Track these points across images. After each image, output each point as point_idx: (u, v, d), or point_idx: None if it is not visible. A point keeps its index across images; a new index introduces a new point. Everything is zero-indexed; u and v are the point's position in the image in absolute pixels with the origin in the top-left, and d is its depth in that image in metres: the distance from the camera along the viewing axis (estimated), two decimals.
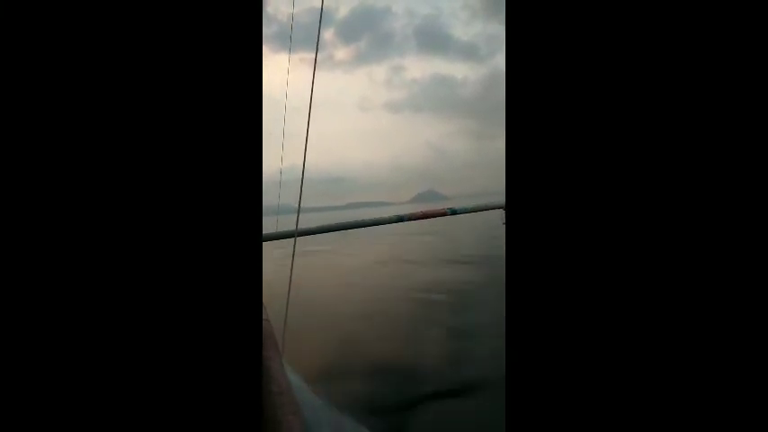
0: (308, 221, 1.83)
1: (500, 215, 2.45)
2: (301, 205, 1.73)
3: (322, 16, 1.50)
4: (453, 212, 2.64)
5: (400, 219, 2.53)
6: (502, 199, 2.40)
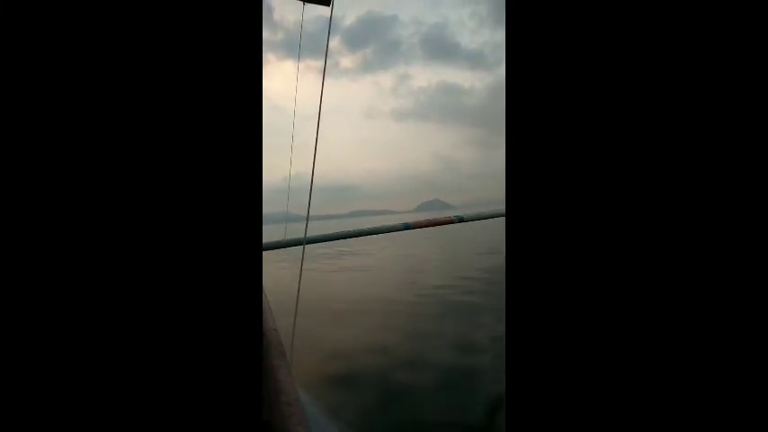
0: (310, 230, 1.83)
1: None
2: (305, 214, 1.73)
3: (331, 24, 1.49)
4: (460, 220, 2.66)
5: (407, 226, 2.56)
6: None
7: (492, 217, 2.74)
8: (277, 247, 2.42)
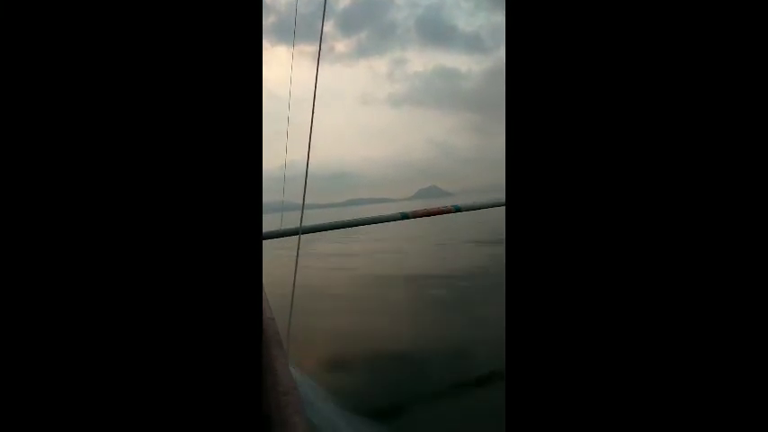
0: (307, 219, 1.82)
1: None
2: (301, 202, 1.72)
3: (326, 7, 1.46)
4: (458, 210, 2.67)
5: (405, 216, 2.57)
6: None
7: (490, 206, 2.75)
8: (272, 237, 2.43)
